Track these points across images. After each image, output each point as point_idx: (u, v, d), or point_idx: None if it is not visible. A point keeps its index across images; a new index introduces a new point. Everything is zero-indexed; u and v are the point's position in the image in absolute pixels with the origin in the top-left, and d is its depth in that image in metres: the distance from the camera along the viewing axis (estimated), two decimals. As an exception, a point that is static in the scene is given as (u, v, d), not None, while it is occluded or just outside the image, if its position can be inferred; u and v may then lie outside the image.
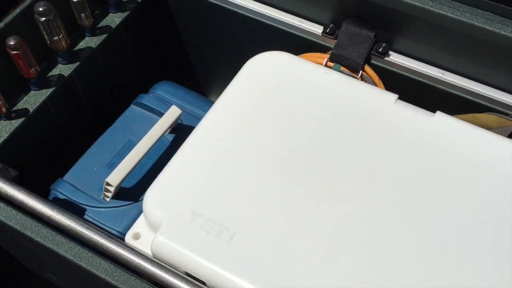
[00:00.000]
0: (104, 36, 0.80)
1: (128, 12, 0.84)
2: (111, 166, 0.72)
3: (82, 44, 0.79)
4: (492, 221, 0.53)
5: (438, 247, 0.51)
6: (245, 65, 0.67)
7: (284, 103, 0.63)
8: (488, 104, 0.72)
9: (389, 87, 0.73)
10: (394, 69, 0.76)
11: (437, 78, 0.74)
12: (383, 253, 0.51)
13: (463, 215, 0.54)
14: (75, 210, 0.68)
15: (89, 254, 0.54)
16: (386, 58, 0.76)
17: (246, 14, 0.83)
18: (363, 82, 0.67)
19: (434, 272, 0.50)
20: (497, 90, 0.72)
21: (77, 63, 0.77)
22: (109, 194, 0.69)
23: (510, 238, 0.51)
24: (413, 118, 0.61)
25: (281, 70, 0.66)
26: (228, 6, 0.84)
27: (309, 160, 0.58)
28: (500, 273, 0.50)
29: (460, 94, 0.73)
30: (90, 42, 0.80)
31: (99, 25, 0.82)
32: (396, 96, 0.63)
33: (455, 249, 0.51)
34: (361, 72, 0.73)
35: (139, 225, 0.57)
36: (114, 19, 0.83)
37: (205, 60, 0.95)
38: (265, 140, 0.59)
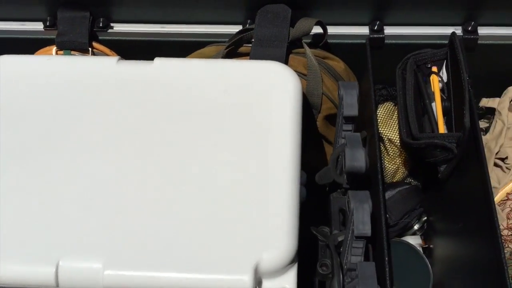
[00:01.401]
0: None
1: None
2: None
3: None
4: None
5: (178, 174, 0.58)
6: None
7: (16, 101, 0.64)
8: (210, 39, 0.80)
9: (122, 54, 0.78)
10: (120, 38, 0.81)
11: (159, 32, 0.81)
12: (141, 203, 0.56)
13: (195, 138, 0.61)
14: None
15: None
16: (110, 31, 0.81)
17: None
18: (80, 56, 0.71)
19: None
20: (213, 25, 0.81)
21: None
22: None
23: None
24: (135, 71, 0.67)
25: (7, 70, 0.67)
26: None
27: (51, 139, 0.60)
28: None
29: (181, 39, 0.81)
30: None
31: None
32: (118, 57, 0.68)
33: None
34: (90, 50, 0.78)
35: None
36: None
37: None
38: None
